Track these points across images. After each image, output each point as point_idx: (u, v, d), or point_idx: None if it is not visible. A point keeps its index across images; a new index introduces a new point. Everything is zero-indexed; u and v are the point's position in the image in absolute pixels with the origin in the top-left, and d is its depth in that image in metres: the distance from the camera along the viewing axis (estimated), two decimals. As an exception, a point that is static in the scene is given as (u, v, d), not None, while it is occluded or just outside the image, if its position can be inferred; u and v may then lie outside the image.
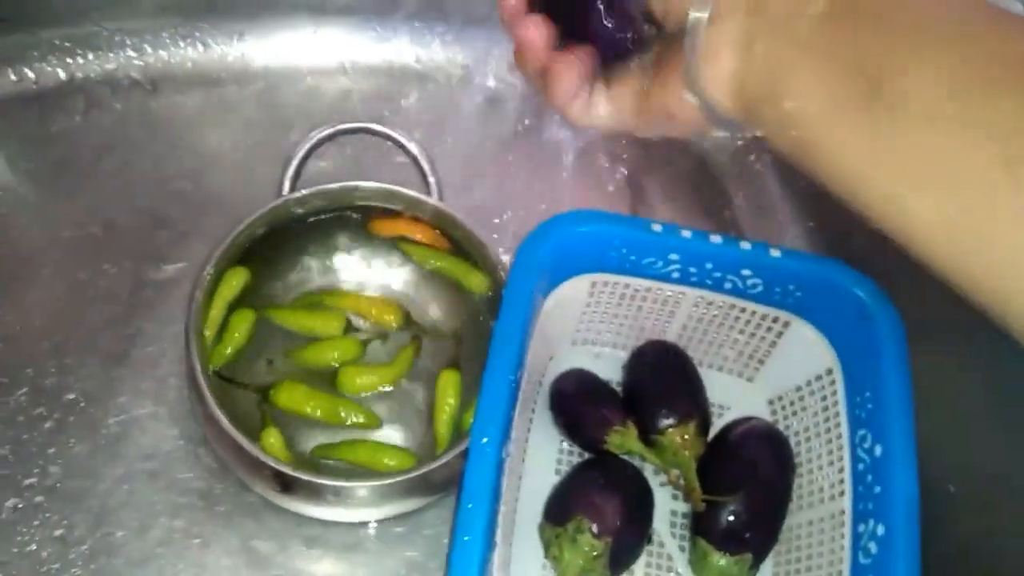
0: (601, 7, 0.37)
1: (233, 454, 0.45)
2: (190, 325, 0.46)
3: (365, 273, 0.53)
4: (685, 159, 0.62)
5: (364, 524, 0.48)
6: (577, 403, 0.50)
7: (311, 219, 0.51)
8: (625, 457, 0.48)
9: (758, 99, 0.33)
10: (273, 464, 0.43)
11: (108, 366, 0.51)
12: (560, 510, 0.46)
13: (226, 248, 0.48)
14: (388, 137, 0.53)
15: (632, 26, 0.37)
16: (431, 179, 0.52)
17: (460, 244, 0.52)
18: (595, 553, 0.44)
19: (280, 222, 0.50)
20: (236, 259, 0.49)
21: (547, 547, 0.45)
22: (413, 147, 0.52)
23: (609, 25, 0.37)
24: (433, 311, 0.53)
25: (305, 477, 0.43)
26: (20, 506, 0.46)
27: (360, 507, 0.47)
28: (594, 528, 0.44)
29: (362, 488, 0.45)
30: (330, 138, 0.52)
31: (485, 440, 0.40)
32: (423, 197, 0.51)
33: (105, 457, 0.48)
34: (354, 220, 0.52)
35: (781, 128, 0.33)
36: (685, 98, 0.36)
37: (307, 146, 0.51)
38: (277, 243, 0.51)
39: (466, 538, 0.38)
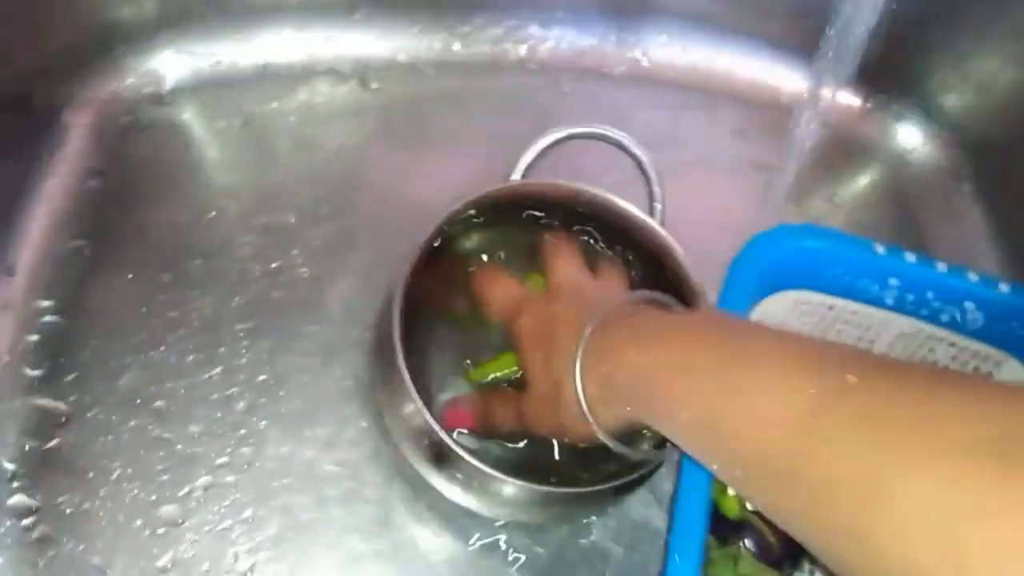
0: None
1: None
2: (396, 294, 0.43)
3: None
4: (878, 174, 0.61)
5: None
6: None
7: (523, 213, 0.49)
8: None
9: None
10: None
11: (299, 353, 0.51)
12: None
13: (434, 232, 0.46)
14: (624, 150, 0.51)
15: None
16: (658, 204, 0.50)
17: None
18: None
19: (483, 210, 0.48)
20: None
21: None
22: (650, 168, 0.50)
23: None
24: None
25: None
26: (212, 485, 0.47)
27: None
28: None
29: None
30: (557, 143, 0.50)
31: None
32: (650, 221, 0.48)
33: (293, 440, 0.48)
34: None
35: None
36: None
37: (543, 143, 0.50)
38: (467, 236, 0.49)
39: (678, 557, 0.37)
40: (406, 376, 0.41)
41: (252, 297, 0.53)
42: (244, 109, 0.61)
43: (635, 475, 0.42)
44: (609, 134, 0.50)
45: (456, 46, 0.65)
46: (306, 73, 0.63)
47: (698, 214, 0.57)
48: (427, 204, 0.56)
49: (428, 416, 0.41)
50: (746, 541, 0.43)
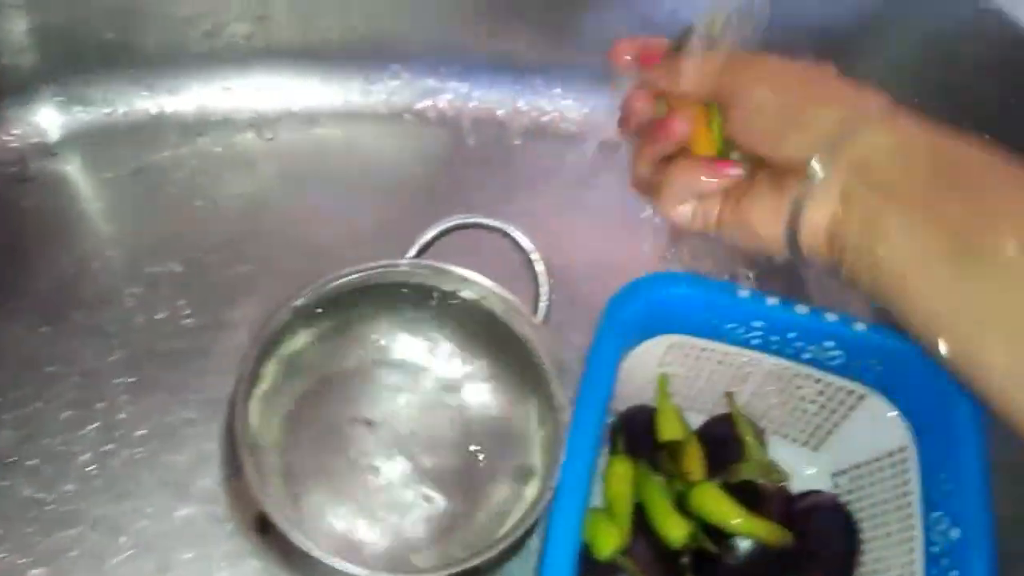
0: None
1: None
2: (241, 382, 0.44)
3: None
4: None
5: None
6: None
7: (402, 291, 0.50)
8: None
9: (851, 248, 0.35)
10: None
11: (182, 405, 0.50)
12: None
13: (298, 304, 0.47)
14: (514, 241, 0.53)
15: None
16: (543, 302, 0.51)
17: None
18: None
19: (366, 286, 0.49)
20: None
21: None
22: (538, 264, 0.52)
23: None
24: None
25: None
26: (85, 545, 0.46)
27: None
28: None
29: None
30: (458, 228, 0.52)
31: (571, 494, 0.40)
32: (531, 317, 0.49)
33: (172, 495, 0.48)
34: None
35: (869, 275, 0.35)
36: (772, 228, 0.37)
37: (435, 231, 0.51)
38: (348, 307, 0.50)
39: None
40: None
41: (135, 349, 0.52)
42: (135, 159, 0.61)
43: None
44: (497, 226, 0.52)
45: (353, 96, 0.66)
46: (200, 123, 0.63)
47: (583, 259, 0.59)
48: (323, 251, 0.57)
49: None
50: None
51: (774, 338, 0.47)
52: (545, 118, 0.68)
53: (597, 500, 0.47)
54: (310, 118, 0.65)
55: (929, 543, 0.44)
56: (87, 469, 0.48)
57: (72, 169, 0.60)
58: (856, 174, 0.34)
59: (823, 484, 0.52)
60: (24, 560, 0.45)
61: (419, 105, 0.67)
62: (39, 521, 0.46)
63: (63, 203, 0.58)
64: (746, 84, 0.37)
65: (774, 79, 0.37)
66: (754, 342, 0.47)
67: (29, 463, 0.47)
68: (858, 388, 0.49)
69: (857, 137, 0.34)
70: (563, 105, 0.69)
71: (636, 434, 0.50)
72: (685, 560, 0.46)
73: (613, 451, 0.49)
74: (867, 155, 0.34)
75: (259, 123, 0.64)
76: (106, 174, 0.60)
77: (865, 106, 0.35)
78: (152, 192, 0.60)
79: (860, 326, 0.46)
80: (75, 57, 0.60)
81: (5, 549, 0.45)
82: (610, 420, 0.49)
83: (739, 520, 0.45)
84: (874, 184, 0.34)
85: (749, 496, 0.45)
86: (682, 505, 0.46)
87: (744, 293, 0.45)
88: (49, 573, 0.45)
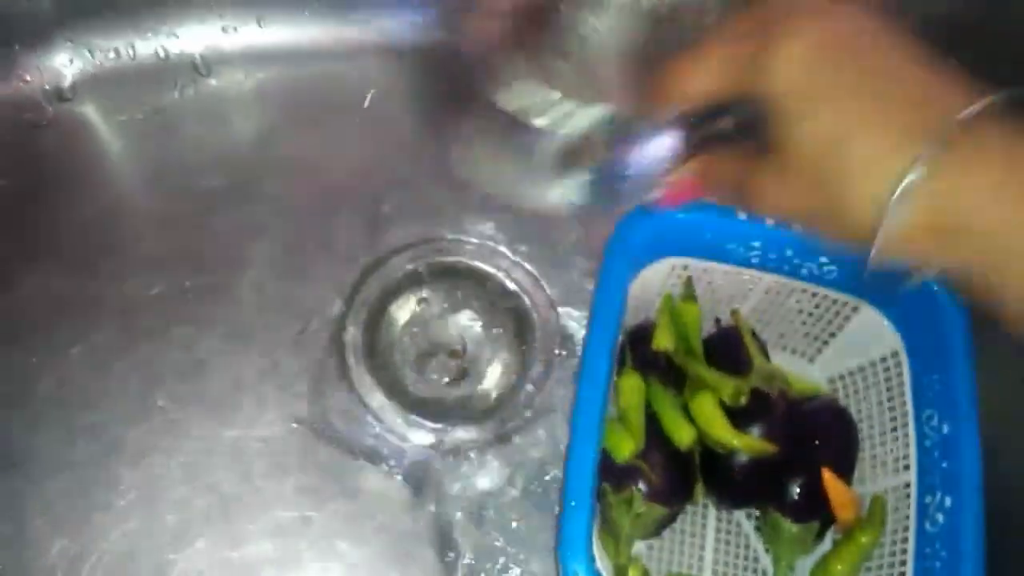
0: None
1: None
2: None
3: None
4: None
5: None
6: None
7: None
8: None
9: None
10: None
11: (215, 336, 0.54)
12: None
13: None
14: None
15: None
16: None
17: None
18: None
19: None
20: None
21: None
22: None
23: None
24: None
25: None
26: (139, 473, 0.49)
27: None
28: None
29: None
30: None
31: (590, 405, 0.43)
32: None
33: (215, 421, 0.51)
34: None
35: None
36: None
37: None
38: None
39: (573, 503, 0.41)
40: None
41: (164, 287, 0.55)
42: (145, 101, 0.62)
43: None
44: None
45: (352, 33, 0.66)
46: (205, 62, 0.64)
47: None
48: (337, 188, 0.59)
49: None
50: (638, 484, 0.47)
51: (772, 256, 0.49)
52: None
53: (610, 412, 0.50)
54: (311, 55, 0.65)
55: (922, 437, 0.47)
56: (133, 399, 0.51)
57: (87, 113, 0.61)
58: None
59: (822, 391, 0.56)
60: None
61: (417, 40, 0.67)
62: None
63: (81, 148, 0.60)
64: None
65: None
66: (753, 261, 0.50)
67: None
68: (852, 300, 0.51)
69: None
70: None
71: (644, 350, 0.52)
72: (695, 461, 0.49)
73: (622, 366, 0.52)
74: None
75: (258, 60, 0.64)
76: (120, 116, 0.62)
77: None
78: (163, 133, 0.61)
79: (853, 242, 0.48)
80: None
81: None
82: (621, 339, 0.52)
83: (723, 433, 0.48)
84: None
85: (758, 402, 0.49)
86: (688, 413, 0.49)
87: (742, 215, 0.48)
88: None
